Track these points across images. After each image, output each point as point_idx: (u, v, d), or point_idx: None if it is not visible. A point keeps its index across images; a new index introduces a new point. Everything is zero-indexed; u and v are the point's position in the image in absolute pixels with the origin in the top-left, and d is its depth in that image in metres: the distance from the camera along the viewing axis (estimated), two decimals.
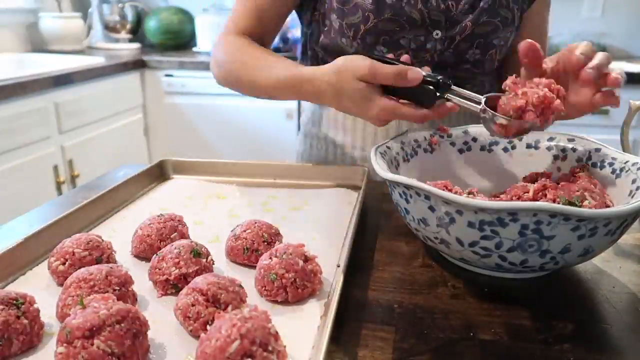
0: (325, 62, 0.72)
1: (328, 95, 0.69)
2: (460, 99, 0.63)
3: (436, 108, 0.64)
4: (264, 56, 0.80)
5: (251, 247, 0.57)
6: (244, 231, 0.59)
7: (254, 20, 0.87)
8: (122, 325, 0.41)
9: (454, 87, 0.64)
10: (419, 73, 0.63)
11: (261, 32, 0.88)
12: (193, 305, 0.45)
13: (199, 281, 0.47)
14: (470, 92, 0.63)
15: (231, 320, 0.39)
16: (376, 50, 0.82)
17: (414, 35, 0.81)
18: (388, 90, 0.65)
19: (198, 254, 0.53)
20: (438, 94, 0.63)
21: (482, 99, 0.62)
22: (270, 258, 0.52)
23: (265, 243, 0.58)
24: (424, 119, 0.64)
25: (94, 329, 0.39)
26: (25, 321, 0.43)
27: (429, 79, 0.63)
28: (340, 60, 0.67)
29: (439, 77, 0.63)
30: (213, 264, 0.56)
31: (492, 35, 0.83)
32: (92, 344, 0.39)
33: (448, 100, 0.63)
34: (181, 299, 0.47)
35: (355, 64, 0.64)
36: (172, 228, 0.60)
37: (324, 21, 0.86)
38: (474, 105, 0.62)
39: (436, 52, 0.83)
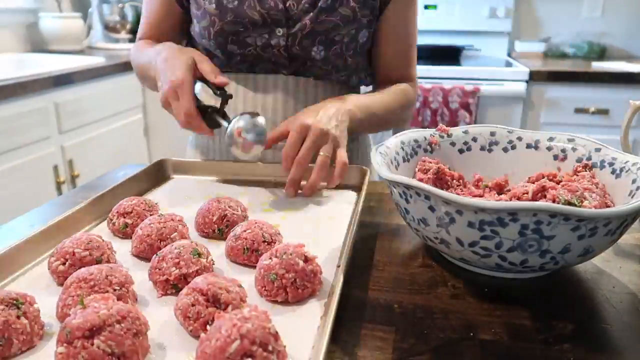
0: None
1: (163, 54, 0.79)
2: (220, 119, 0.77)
3: (198, 118, 0.75)
4: (151, 46, 0.92)
5: (251, 247, 0.57)
6: (244, 231, 0.58)
7: (153, 31, 0.99)
8: (122, 325, 0.40)
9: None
10: (224, 80, 0.76)
11: (163, 40, 0.96)
12: (193, 305, 0.45)
13: (199, 281, 0.47)
14: (222, 120, 0.77)
15: (231, 320, 0.39)
16: (228, 47, 0.90)
17: (258, 33, 0.88)
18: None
19: (198, 254, 0.53)
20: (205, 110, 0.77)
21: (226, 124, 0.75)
22: (270, 258, 0.52)
23: (266, 243, 0.58)
24: (188, 115, 0.74)
25: (94, 329, 0.39)
26: (25, 321, 0.43)
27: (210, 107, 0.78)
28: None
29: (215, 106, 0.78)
30: (213, 264, 0.56)
31: (332, 33, 0.88)
32: (92, 344, 0.39)
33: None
34: (181, 299, 0.47)
35: (197, 51, 0.80)
36: (172, 228, 0.60)
37: (193, 28, 0.95)
38: (224, 123, 0.76)
39: (281, 47, 0.88)
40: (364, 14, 0.89)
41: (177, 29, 0.99)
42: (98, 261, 0.54)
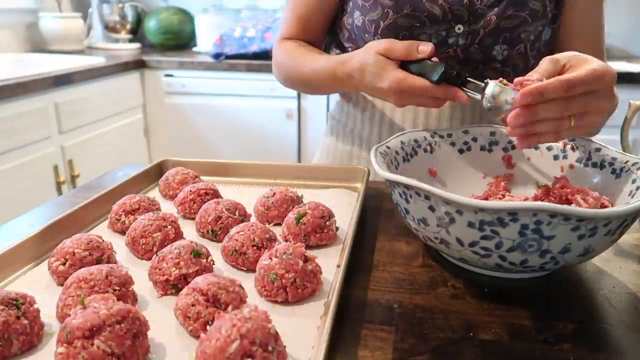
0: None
1: (355, 73, 0.74)
2: (469, 91, 0.64)
3: (442, 87, 0.65)
4: (310, 53, 0.87)
5: (240, 249, 0.57)
6: (238, 232, 0.58)
7: (299, 28, 0.92)
8: (122, 325, 0.40)
9: (467, 77, 0.65)
10: (429, 46, 0.67)
11: (308, 38, 0.93)
12: (193, 305, 0.45)
13: (199, 281, 0.47)
14: (479, 82, 0.63)
15: (231, 321, 0.39)
16: None
17: (435, 30, 0.80)
18: (408, 71, 0.68)
19: (198, 254, 0.53)
20: (445, 74, 0.65)
21: (482, 84, 0.62)
22: (270, 258, 0.52)
23: (255, 247, 0.57)
24: (428, 91, 0.66)
25: (94, 329, 0.39)
26: (25, 321, 0.43)
27: (444, 65, 0.66)
28: (368, 43, 0.73)
29: (453, 66, 0.67)
30: (213, 264, 0.55)
31: (519, 29, 0.79)
32: (92, 344, 0.39)
33: (457, 85, 0.65)
34: (181, 299, 0.47)
35: (378, 41, 0.71)
36: (157, 227, 0.60)
37: (348, 20, 0.87)
38: (477, 95, 0.63)
39: (459, 47, 0.81)
40: (552, 7, 0.81)
41: (328, 23, 0.92)
42: (98, 261, 0.54)
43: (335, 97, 1.02)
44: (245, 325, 0.39)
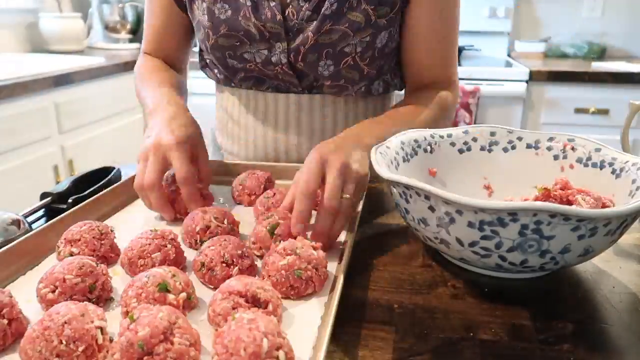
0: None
1: (152, 119, 0.73)
2: None
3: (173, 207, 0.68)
4: (154, 78, 0.86)
5: (208, 265, 0.53)
6: (209, 246, 0.54)
7: (155, 42, 0.94)
8: (181, 320, 0.41)
9: None
10: None
11: (165, 52, 0.95)
12: (234, 308, 0.45)
13: (234, 284, 0.46)
14: None
15: (242, 327, 0.39)
16: (228, 61, 0.84)
17: (256, 49, 0.80)
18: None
19: (167, 289, 0.47)
20: None
21: None
22: (284, 257, 0.51)
23: (224, 264, 0.53)
24: (159, 196, 0.65)
25: (166, 331, 0.39)
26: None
27: None
28: (165, 121, 0.70)
29: None
30: (190, 304, 0.49)
31: (341, 44, 0.76)
32: (173, 344, 0.39)
33: None
34: (219, 304, 0.45)
35: (167, 131, 0.67)
36: (157, 247, 0.55)
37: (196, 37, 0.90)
38: None
39: (283, 65, 0.79)
40: (381, 14, 0.77)
41: (181, 36, 0.93)
42: (91, 288, 0.49)
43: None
44: (258, 324, 0.39)
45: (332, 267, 0.56)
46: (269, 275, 0.52)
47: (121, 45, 2.64)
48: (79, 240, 0.56)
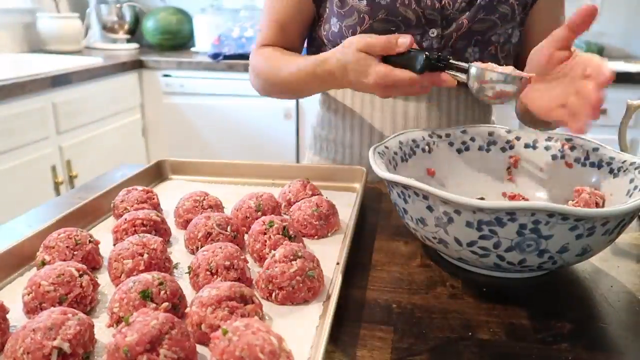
0: None
1: (337, 71, 0.74)
2: (453, 72, 0.65)
3: (426, 74, 0.66)
4: (288, 56, 0.87)
5: (195, 269, 0.52)
6: (203, 251, 0.54)
7: (277, 35, 0.92)
8: (176, 330, 0.40)
9: (450, 60, 0.66)
10: (408, 38, 0.67)
11: (286, 45, 0.92)
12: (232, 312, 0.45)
13: (222, 286, 0.46)
14: (462, 63, 0.65)
15: (246, 334, 0.38)
16: None
17: (410, 34, 0.79)
18: (390, 63, 0.68)
19: (149, 296, 0.46)
20: (428, 61, 0.65)
21: (468, 65, 0.64)
22: (291, 263, 0.51)
23: (209, 273, 0.52)
24: (413, 82, 0.67)
25: (154, 340, 0.39)
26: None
27: (425, 52, 0.66)
28: (346, 40, 0.73)
29: (433, 53, 0.66)
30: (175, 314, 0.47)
31: (489, 32, 0.83)
32: (158, 355, 0.38)
33: (440, 69, 0.66)
34: (212, 315, 0.45)
35: (357, 38, 0.70)
36: (132, 253, 0.54)
37: (325, 26, 0.88)
38: (462, 75, 0.65)
39: (433, 50, 0.83)
40: (520, 11, 0.84)
41: (305, 29, 0.93)
42: (61, 300, 0.48)
43: (317, 110, 1.01)
44: (256, 325, 0.39)
45: (331, 267, 0.56)
46: (281, 288, 0.50)
47: (119, 46, 2.64)
48: (53, 247, 0.56)
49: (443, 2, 0.81)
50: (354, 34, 0.83)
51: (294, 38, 0.93)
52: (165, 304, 0.46)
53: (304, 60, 0.81)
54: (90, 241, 0.58)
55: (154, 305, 0.46)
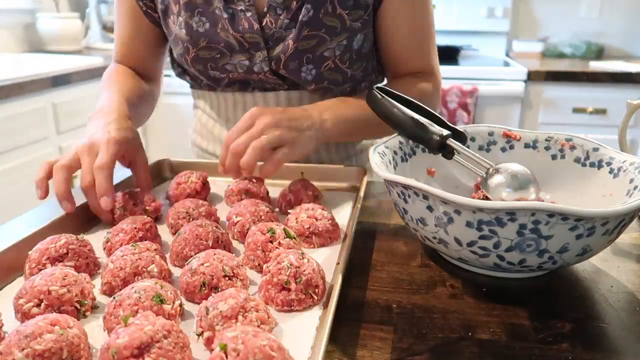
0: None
1: (89, 126, 0.71)
2: (465, 161, 0.64)
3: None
4: (112, 86, 0.82)
5: (210, 283, 0.50)
6: (202, 264, 0.51)
7: (124, 52, 0.92)
8: (170, 339, 0.39)
9: (462, 149, 0.62)
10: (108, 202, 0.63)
11: (134, 59, 0.92)
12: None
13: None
14: (478, 156, 0.62)
15: (248, 339, 0.37)
16: (210, 73, 0.84)
17: (237, 60, 0.81)
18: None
19: (161, 300, 0.45)
20: (442, 146, 0.62)
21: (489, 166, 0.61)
22: (299, 266, 0.50)
23: (227, 278, 0.50)
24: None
25: (143, 346, 0.37)
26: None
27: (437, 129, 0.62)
28: (104, 122, 0.69)
29: (447, 132, 0.62)
30: (181, 311, 0.48)
31: (320, 49, 0.79)
32: None
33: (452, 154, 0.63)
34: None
35: (105, 145, 0.66)
36: (150, 260, 0.52)
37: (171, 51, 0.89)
38: (478, 171, 0.63)
39: (266, 72, 0.81)
40: (355, 18, 0.79)
41: (151, 46, 0.91)
42: (79, 301, 0.47)
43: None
44: (249, 329, 0.39)
45: (331, 267, 0.56)
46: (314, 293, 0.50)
47: None
48: (67, 254, 0.54)
49: (263, 23, 0.78)
50: (186, 61, 0.84)
51: (140, 57, 0.92)
52: (177, 301, 0.46)
53: (103, 98, 0.77)
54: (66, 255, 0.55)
55: (169, 307, 0.45)
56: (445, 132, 0.62)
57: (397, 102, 0.65)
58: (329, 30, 0.78)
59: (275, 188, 0.77)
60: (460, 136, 0.65)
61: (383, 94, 0.65)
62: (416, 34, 0.86)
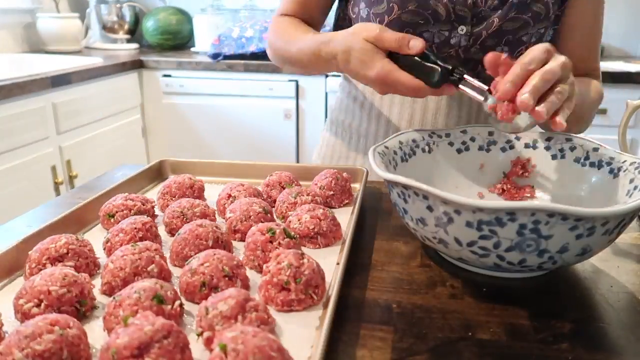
0: None
1: (340, 55, 0.71)
2: (468, 89, 0.62)
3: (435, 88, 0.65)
4: (300, 31, 0.85)
5: (210, 283, 0.50)
6: (202, 264, 0.51)
7: (297, 6, 0.91)
8: (169, 340, 0.39)
9: (466, 77, 0.62)
10: (421, 42, 0.65)
11: (305, 17, 0.91)
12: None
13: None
14: (479, 83, 0.61)
15: (248, 340, 0.38)
16: None
17: (437, 29, 0.80)
18: (398, 62, 0.66)
19: (161, 300, 0.45)
20: (443, 78, 0.63)
21: (486, 87, 0.61)
22: (299, 266, 0.50)
23: (227, 278, 0.50)
24: (417, 91, 0.65)
25: (142, 346, 0.37)
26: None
27: (440, 62, 0.63)
28: (356, 25, 0.71)
29: (451, 66, 0.63)
30: (181, 310, 0.47)
31: (521, 32, 0.80)
32: None
33: (455, 86, 0.63)
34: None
35: (367, 27, 0.69)
36: (149, 259, 0.52)
37: (354, 9, 0.87)
38: (479, 96, 0.62)
39: (461, 47, 0.81)
40: (554, 10, 0.82)
41: (328, 5, 0.92)
42: (79, 301, 0.47)
43: (336, 92, 1.03)
44: (249, 330, 0.38)
45: (331, 267, 0.56)
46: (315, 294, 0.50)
47: (119, 46, 2.64)
48: (35, 259, 0.53)
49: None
50: (381, 22, 0.82)
51: (314, 12, 0.91)
52: (177, 301, 0.46)
53: (312, 38, 0.79)
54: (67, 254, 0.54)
55: (169, 308, 0.45)
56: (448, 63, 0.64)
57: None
58: (534, 15, 0.79)
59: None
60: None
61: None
62: (594, 32, 0.87)
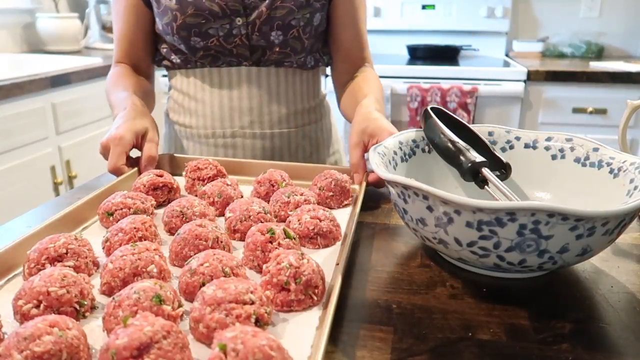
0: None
1: (124, 109, 0.91)
2: (496, 189, 0.61)
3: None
4: (120, 85, 1.00)
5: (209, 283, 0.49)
6: (201, 265, 0.51)
7: (126, 48, 1.04)
8: (169, 340, 0.39)
9: (493, 179, 0.61)
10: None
11: (135, 58, 1.04)
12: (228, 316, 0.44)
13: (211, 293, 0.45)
14: (508, 190, 0.60)
15: (247, 339, 0.37)
16: (192, 40, 0.95)
17: (219, 24, 0.94)
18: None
19: (161, 300, 0.45)
20: (473, 173, 0.62)
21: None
22: (298, 267, 0.50)
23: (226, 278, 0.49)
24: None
25: (142, 347, 0.37)
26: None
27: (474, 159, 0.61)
28: (126, 115, 0.91)
29: (482, 160, 0.61)
30: (181, 312, 0.47)
31: (288, 17, 0.95)
32: None
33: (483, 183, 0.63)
34: (209, 318, 0.44)
35: (129, 133, 0.91)
36: (149, 260, 0.52)
37: (157, 26, 1.00)
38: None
39: (242, 36, 0.95)
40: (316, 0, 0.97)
41: (149, 39, 1.03)
42: (79, 301, 0.47)
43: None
44: (248, 329, 0.38)
45: (330, 267, 0.56)
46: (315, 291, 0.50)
47: None
48: (34, 259, 0.53)
49: None
50: (172, 29, 0.95)
51: (140, 51, 1.04)
52: (177, 302, 0.46)
53: (116, 95, 0.96)
54: (66, 256, 0.54)
55: (169, 308, 0.45)
56: (480, 159, 0.61)
57: (445, 123, 0.66)
58: (296, 3, 0.95)
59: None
60: (504, 167, 0.66)
61: (434, 114, 0.68)
62: (358, 27, 1.05)
